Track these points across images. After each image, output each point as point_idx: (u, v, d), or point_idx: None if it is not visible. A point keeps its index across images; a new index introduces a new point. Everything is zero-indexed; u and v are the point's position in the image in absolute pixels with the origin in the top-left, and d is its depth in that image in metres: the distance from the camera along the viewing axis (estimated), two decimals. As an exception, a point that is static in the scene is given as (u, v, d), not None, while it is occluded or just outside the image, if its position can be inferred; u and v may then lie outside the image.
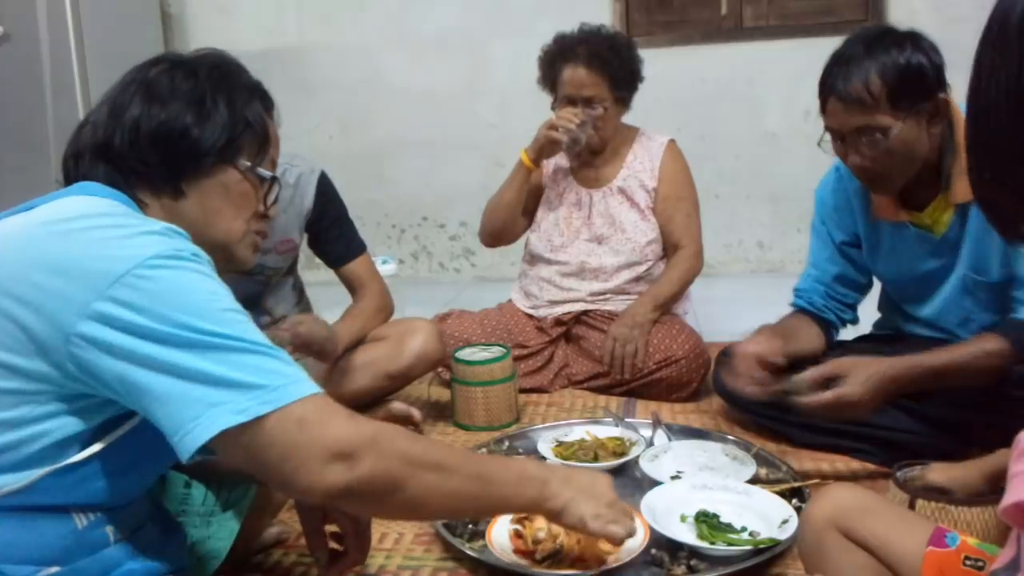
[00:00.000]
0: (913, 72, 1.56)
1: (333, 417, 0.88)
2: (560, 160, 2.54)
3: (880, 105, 1.57)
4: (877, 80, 1.56)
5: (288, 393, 0.86)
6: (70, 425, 0.89)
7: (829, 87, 1.62)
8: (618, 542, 1.19)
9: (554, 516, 1.13)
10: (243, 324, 0.88)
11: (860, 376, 1.54)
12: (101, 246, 0.88)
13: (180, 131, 1.04)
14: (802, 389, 1.56)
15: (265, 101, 1.15)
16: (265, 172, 1.12)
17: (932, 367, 1.56)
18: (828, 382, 1.56)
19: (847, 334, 2.08)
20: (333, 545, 1.23)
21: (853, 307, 2.02)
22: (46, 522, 0.91)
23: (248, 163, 1.10)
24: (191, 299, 0.86)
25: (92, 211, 0.94)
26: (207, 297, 0.88)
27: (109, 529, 0.97)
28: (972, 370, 1.55)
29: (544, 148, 2.38)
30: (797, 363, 1.73)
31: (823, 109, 1.65)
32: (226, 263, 1.12)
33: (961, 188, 1.65)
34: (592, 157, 2.49)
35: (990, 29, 0.70)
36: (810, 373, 1.57)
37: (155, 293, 0.85)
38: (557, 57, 2.39)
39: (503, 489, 1.06)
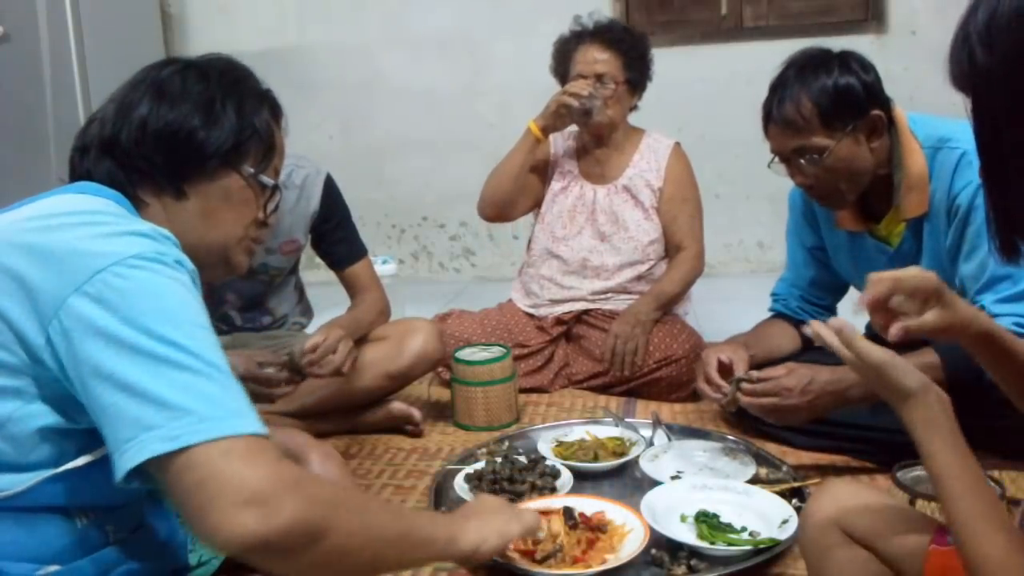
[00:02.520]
0: (842, 93, 1.63)
1: (261, 456, 0.79)
2: (567, 150, 2.54)
3: (813, 127, 1.64)
4: (807, 103, 1.64)
5: (225, 425, 0.78)
6: (61, 426, 0.88)
7: (767, 112, 1.70)
8: (535, 533, 1.24)
9: (474, 552, 1.05)
10: (207, 343, 0.84)
11: (800, 373, 1.63)
12: (85, 242, 0.86)
13: (186, 132, 1.03)
14: (752, 381, 1.67)
15: (274, 110, 1.14)
16: (267, 180, 1.12)
17: None
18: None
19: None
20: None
21: (829, 309, 2.07)
22: (45, 522, 0.90)
23: (252, 170, 1.09)
24: (161, 304, 0.83)
25: (81, 208, 0.94)
26: (178, 306, 0.85)
27: (109, 528, 0.96)
28: None
29: (554, 116, 2.36)
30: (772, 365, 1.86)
31: (766, 133, 1.73)
32: (222, 267, 1.12)
33: (910, 203, 1.70)
34: (596, 147, 2.49)
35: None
36: (762, 371, 1.67)
37: (127, 292, 0.83)
38: (571, 40, 2.43)
39: (424, 528, 0.99)
